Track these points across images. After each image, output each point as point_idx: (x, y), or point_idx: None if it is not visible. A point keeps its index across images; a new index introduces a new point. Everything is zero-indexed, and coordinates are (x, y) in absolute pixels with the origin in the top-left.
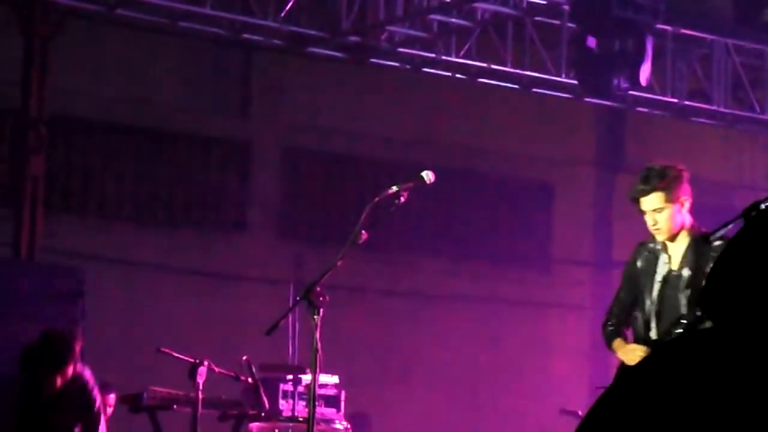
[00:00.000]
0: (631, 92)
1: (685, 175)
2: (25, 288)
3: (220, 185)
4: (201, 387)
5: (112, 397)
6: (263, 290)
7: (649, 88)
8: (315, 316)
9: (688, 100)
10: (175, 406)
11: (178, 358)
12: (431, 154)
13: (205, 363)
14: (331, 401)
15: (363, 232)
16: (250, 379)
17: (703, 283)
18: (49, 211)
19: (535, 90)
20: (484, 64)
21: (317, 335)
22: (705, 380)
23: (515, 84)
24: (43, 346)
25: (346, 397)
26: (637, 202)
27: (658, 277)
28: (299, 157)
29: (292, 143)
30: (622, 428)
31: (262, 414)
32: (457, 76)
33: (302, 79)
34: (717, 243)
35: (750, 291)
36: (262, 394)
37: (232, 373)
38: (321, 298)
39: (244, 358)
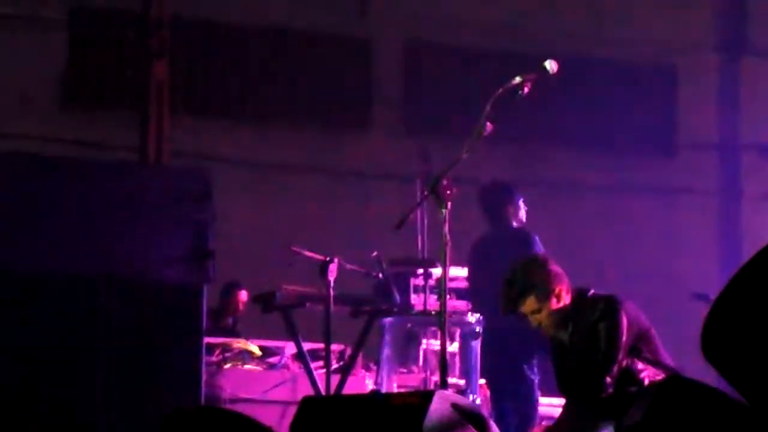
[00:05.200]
0: None
1: (550, 266)
2: (154, 191)
3: (343, 83)
4: (332, 284)
5: (244, 293)
6: (390, 186)
7: None
8: (443, 210)
9: None
10: (307, 304)
11: (308, 256)
12: (552, 43)
13: (336, 260)
14: (462, 294)
15: (488, 123)
16: (380, 275)
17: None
18: (174, 115)
19: None
20: None
21: (446, 229)
22: None
23: None
24: None
25: None
26: (515, 308)
27: None
28: (421, 51)
29: (414, 37)
30: (749, 315)
31: (394, 309)
32: None
33: None
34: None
35: (749, 337)
36: (393, 289)
37: (363, 269)
38: (448, 192)
39: (374, 253)
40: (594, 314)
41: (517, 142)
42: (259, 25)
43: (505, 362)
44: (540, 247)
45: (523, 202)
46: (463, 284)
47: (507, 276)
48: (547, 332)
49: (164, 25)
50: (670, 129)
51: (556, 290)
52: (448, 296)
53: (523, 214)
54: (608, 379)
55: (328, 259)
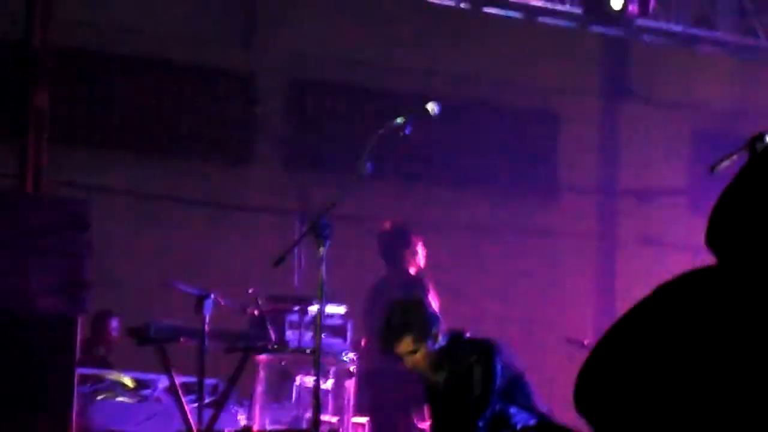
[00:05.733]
0: (636, 21)
1: (427, 307)
2: (31, 220)
3: (225, 116)
4: (207, 319)
5: (115, 322)
6: (269, 221)
7: (653, 17)
8: (321, 249)
9: (693, 28)
10: (182, 338)
11: (185, 290)
12: (435, 84)
13: (212, 296)
14: (338, 331)
15: (368, 164)
16: (256, 311)
17: None
18: (53, 144)
19: (539, 19)
20: None
21: (323, 268)
22: (709, 318)
23: (520, 13)
24: None
25: (353, 326)
26: (392, 349)
27: None
28: (304, 87)
29: (298, 74)
30: (625, 369)
31: (269, 346)
32: (461, 6)
33: (306, 9)
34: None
35: (756, 226)
36: (269, 327)
37: (239, 305)
38: (327, 231)
39: (251, 290)
40: (469, 358)
41: (400, 181)
42: (144, 56)
43: (390, 402)
44: (433, 294)
45: (422, 245)
46: (339, 321)
47: (385, 316)
48: (423, 374)
49: (46, 52)
50: (551, 172)
51: (433, 332)
52: (323, 333)
53: (420, 258)
54: (481, 423)
55: (204, 294)
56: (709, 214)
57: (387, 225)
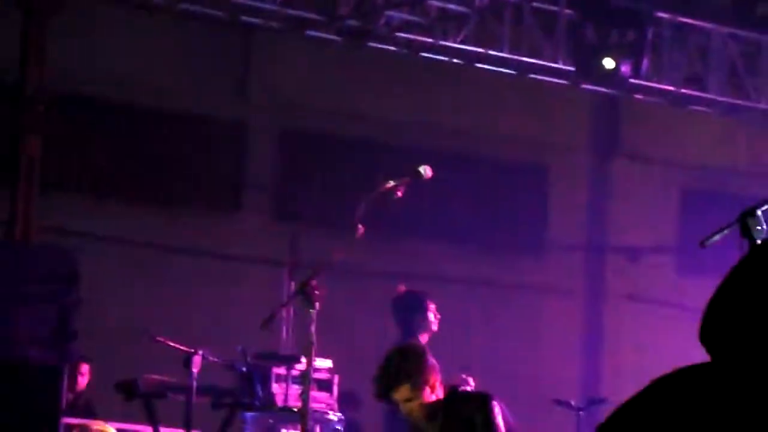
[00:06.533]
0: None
1: (427, 356)
2: (20, 270)
3: (216, 165)
4: (195, 375)
5: (85, 368)
6: (258, 272)
7: (645, 76)
8: (311, 310)
9: (684, 87)
10: (169, 394)
11: (172, 346)
12: (427, 138)
13: (200, 353)
14: (324, 385)
15: (360, 226)
16: (244, 368)
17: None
18: (44, 191)
19: (531, 76)
20: (482, 50)
21: (312, 329)
22: (704, 415)
23: (512, 70)
24: None
25: (339, 380)
26: (389, 395)
27: None
28: (295, 138)
29: (288, 125)
30: None
31: (256, 403)
32: (455, 61)
33: (299, 61)
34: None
35: (752, 322)
36: (256, 384)
37: (226, 362)
38: (317, 292)
39: (239, 347)
40: (468, 408)
41: (388, 235)
42: (136, 104)
43: None
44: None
45: (436, 310)
46: (325, 375)
47: (383, 362)
48: (417, 423)
49: (39, 100)
50: (540, 227)
51: (431, 381)
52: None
53: (433, 322)
54: None
55: (192, 351)
56: (703, 311)
57: (401, 290)
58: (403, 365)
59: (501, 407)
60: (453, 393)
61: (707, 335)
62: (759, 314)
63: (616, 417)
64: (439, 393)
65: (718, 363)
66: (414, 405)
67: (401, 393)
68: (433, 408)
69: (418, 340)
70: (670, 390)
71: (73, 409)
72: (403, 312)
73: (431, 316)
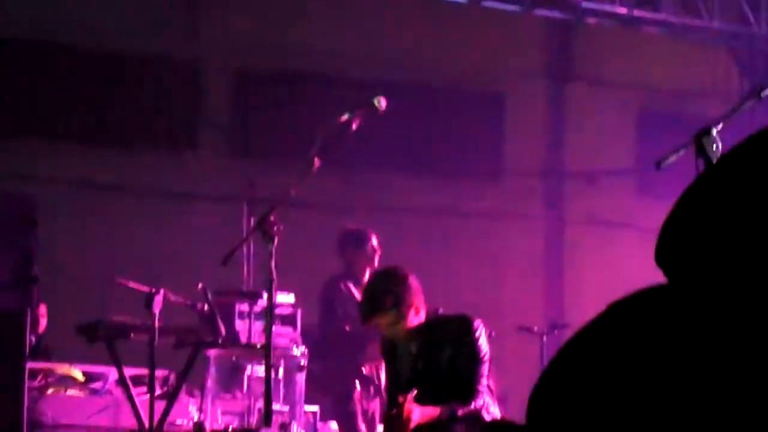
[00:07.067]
0: (581, 4)
1: (410, 279)
2: None
3: (172, 106)
4: (157, 316)
5: (43, 308)
6: (217, 209)
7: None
8: (269, 245)
9: (636, 9)
10: (132, 334)
11: (134, 287)
12: (382, 69)
13: (161, 291)
14: (288, 320)
15: (315, 159)
16: (206, 307)
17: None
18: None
19: (484, 3)
20: None
21: (272, 264)
22: (662, 338)
23: None
24: None
25: (302, 314)
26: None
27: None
28: (248, 75)
29: (241, 63)
30: (577, 392)
31: (219, 341)
32: None
33: None
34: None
35: (709, 241)
36: (219, 321)
37: (188, 302)
38: (275, 228)
39: (200, 285)
40: (450, 330)
41: (345, 167)
42: (90, 47)
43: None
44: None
45: (377, 245)
46: (289, 310)
47: (366, 286)
48: (397, 340)
49: None
50: (496, 154)
51: (414, 303)
52: (273, 322)
53: (371, 260)
54: (479, 387)
55: (153, 290)
56: (658, 232)
57: (344, 229)
58: (386, 289)
59: (485, 328)
60: (435, 315)
61: (663, 257)
62: (713, 234)
63: (574, 343)
64: (422, 316)
65: (674, 284)
66: (398, 328)
67: (386, 318)
68: (417, 331)
69: (362, 275)
70: (626, 314)
71: (35, 354)
72: (344, 248)
73: (371, 249)
